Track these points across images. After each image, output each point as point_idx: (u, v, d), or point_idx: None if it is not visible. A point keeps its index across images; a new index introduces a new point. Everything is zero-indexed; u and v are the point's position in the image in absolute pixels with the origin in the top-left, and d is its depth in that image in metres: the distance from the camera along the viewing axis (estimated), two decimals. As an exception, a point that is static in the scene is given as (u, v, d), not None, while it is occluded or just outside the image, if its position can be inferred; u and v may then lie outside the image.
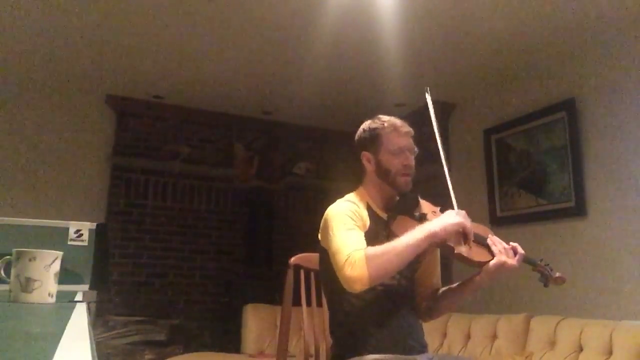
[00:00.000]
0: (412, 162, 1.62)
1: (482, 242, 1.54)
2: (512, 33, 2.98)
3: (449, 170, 1.64)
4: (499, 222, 3.45)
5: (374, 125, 1.67)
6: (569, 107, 3.09)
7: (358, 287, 1.38)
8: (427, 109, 1.71)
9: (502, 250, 1.51)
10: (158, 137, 4.27)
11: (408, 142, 1.63)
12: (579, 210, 2.98)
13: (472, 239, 1.51)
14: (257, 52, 3.33)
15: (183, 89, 3.99)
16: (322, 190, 4.45)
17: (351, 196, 1.65)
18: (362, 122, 1.72)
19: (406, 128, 1.65)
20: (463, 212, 1.53)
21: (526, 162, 3.38)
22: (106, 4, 2.80)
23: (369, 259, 1.38)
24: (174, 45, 3.27)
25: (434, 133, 1.69)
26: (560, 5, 2.67)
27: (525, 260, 1.54)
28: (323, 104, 4.18)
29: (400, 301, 1.59)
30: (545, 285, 1.57)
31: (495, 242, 1.53)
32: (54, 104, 3.99)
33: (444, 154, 1.65)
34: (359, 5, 2.70)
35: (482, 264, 1.51)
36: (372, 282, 1.38)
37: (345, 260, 1.40)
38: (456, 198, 1.59)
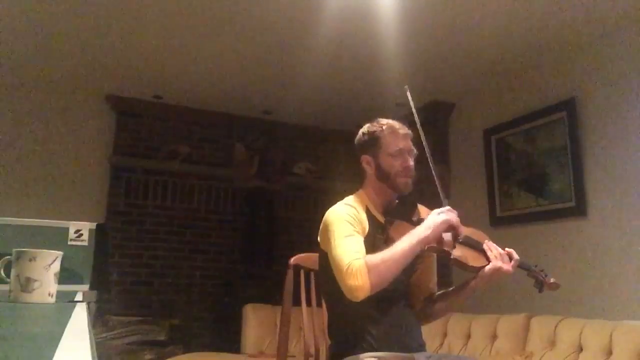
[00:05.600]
0: (412, 164, 1.63)
1: (478, 248, 1.56)
2: (512, 33, 2.98)
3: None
4: (499, 222, 3.45)
5: (372, 129, 1.68)
6: (569, 107, 3.09)
7: (360, 296, 1.40)
8: (411, 105, 1.70)
9: (498, 256, 1.53)
10: (158, 137, 4.27)
11: (407, 144, 1.64)
12: (579, 210, 2.98)
13: (462, 231, 1.54)
14: (257, 52, 3.33)
15: (183, 89, 3.99)
16: (322, 190, 4.45)
17: (350, 199, 1.66)
18: (362, 122, 1.73)
19: (404, 130, 1.66)
20: (447, 207, 1.55)
21: (526, 162, 3.38)
22: (106, 4, 2.80)
23: (369, 268, 1.40)
24: (174, 45, 3.27)
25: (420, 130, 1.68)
26: (561, 5, 2.67)
27: (521, 265, 1.57)
28: (323, 104, 4.18)
29: (397, 301, 1.60)
30: (540, 291, 1.58)
31: (491, 248, 1.55)
32: (54, 104, 3.99)
33: (429, 152, 1.65)
34: (359, 6, 2.70)
35: (478, 269, 1.53)
36: (373, 291, 1.41)
37: (346, 269, 1.42)
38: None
